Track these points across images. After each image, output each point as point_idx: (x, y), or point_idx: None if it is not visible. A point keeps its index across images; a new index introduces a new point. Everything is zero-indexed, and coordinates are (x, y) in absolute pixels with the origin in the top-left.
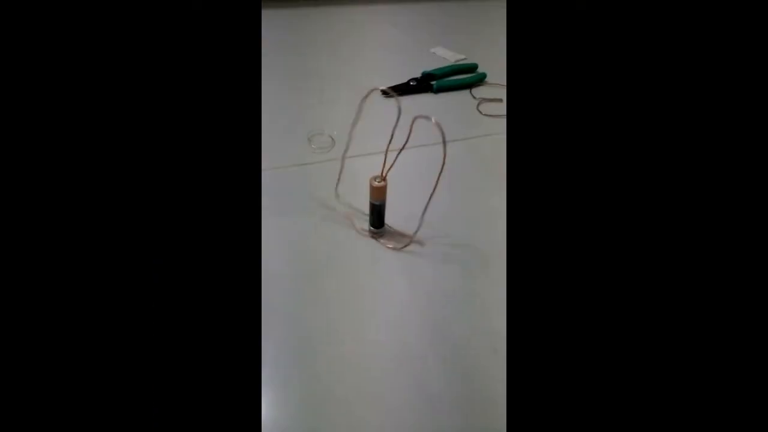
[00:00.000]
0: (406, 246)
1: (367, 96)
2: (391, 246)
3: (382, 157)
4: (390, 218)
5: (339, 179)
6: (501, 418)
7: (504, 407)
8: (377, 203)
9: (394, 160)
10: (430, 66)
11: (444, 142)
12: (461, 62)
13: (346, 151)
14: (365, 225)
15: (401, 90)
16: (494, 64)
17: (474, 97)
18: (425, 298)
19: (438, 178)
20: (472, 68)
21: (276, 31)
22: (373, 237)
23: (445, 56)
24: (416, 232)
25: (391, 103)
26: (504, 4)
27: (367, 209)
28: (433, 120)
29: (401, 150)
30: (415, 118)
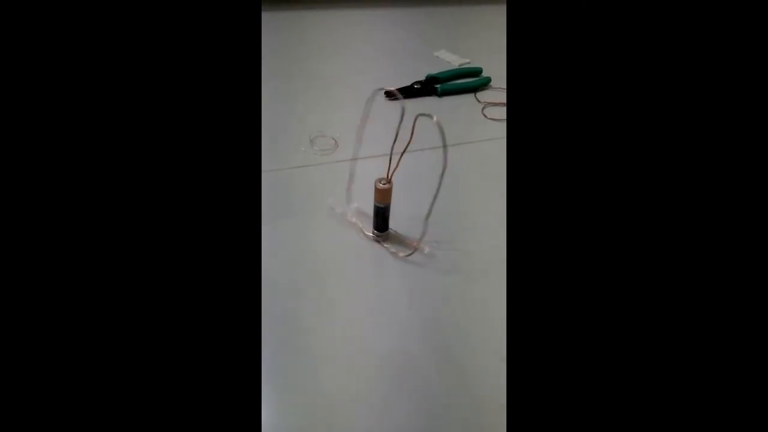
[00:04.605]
0: (409, 250)
1: (372, 97)
2: (394, 250)
3: (385, 159)
4: (394, 221)
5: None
6: (502, 426)
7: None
8: (382, 206)
9: (398, 163)
10: (435, 69)
11: (444, 146)
12: (465, 66)
13: (356, 153)
14: (369, 229)
15: (405, 93)
16: (499, 68)
17: (479, 101)
18: (427, 304)
19: (440, 183)
20: (476, 72)
21: (281, 34)
22: (376, 241)
23: (449, 60)
24: (420, 236)
25: (395, 105)
26: None
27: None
28: (434, 118)
29: (404, 152)
30: (417, 117)
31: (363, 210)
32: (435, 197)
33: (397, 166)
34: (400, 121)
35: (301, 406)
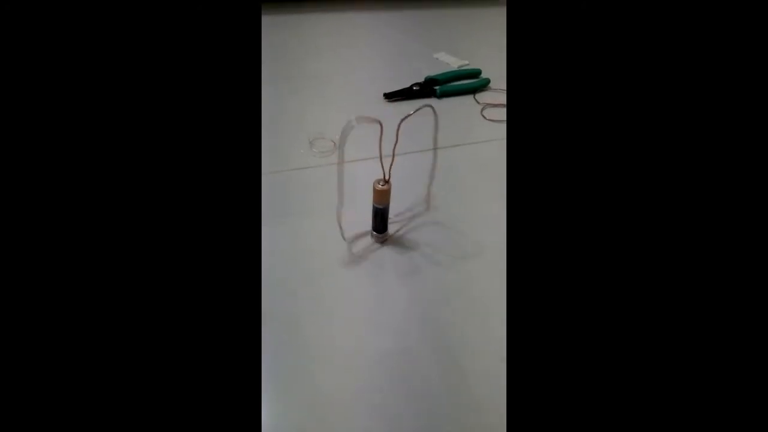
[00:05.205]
0: (408, 251)
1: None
2: (392, 251)
3: (385, 161)
4: (393, 222)
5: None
6: (502, 426)
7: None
8: (380, 207)
9: (391, 164)
10: (434, 71)
11: (435, 148)
12: (464, 68)
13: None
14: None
15: (404, 95)
16: (498, 70)
17: (478, 102)
18: (427, 305)
19: (430, 183)
20: (475, 74)
21: (280, 37)
22: (375, 242)
23: (448, 62)
24: (417, 235)
25: (394, 107)
26: None
27: (367, 215)
28: (411, 112)
29: (394, 155)
30: (401, 121)
31: (362, 213)
32: (427, 198)
33: (390, 168)
34: (384, 125)
35: (301, 406)
